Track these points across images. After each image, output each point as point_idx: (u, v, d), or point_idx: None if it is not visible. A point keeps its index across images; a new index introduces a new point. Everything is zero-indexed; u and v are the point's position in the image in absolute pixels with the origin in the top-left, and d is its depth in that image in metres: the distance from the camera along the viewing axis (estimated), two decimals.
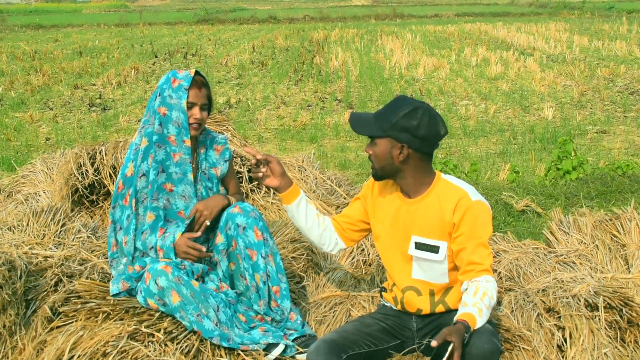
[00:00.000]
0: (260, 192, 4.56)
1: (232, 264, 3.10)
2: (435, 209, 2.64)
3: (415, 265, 2.72)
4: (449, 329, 2.32)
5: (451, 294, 2.73)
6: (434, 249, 2.65)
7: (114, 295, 3.05)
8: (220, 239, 3.08)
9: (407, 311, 2.78)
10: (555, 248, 3.90)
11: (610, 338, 2.99)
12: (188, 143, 3.02)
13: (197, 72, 3.04)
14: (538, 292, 3.26)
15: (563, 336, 2.95)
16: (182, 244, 2.98)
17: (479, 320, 2.42)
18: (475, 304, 2.45)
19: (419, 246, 2.68)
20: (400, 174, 2.67)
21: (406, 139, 2.59)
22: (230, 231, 3.04)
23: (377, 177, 2.72)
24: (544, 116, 9.83)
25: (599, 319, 3.00)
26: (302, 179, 4.71)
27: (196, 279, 3.00)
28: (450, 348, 2.26)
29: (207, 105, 3.09)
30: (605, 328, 2.99)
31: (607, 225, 4.00)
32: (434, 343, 2.27)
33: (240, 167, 4.51)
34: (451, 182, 2.68)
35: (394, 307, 2.84)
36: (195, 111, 3.01)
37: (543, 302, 3.14)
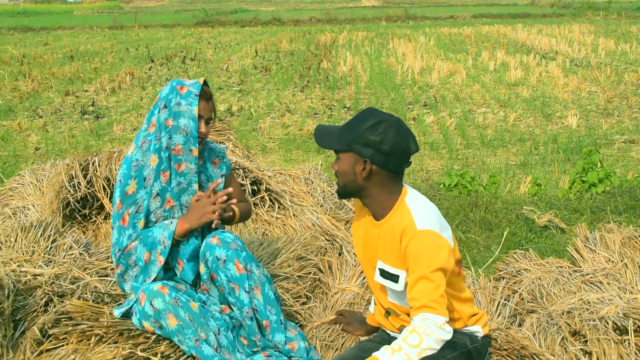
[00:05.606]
0: (264, 206, 4.57)
1: (219, 287, 3.09)
2: (391, 235, 2.61)
3: (388, 289, 2.72)
4: None
5: None
6: (395, 278, 2.62)
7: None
8: (202, 269, 3.07)
9: (396, 333, 2.77)
10: (580, 267, 3.89)
11: None
12: (195, 152, 3.03)
13: (205, 82, 3.07)
14: (563, 314, 3.25)
15: None
16: (200, 206, 2.99)
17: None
18: (393, 345, 2.41)
19: (382, 273, 2.67)
20: (364, 192, 2.63)
21: (369, 153, 2.56)
22: (209, 263, 3.02)
23: (340, 194, 2.69)
24: (567, 125, 9.83)
25: (629, 343, 2.99)
26: (308, 192, 4.72)
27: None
28: None
29: (211, 119, 3.13)
30: (635, 353, 2.98)
31: (636, 242, 3.99)
32: None
33: (243, 180, 4.53)
34: (407, 206, 2.61)
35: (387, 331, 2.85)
36: (201, 125, 3.04)
37: (568, 324, 3.13)
